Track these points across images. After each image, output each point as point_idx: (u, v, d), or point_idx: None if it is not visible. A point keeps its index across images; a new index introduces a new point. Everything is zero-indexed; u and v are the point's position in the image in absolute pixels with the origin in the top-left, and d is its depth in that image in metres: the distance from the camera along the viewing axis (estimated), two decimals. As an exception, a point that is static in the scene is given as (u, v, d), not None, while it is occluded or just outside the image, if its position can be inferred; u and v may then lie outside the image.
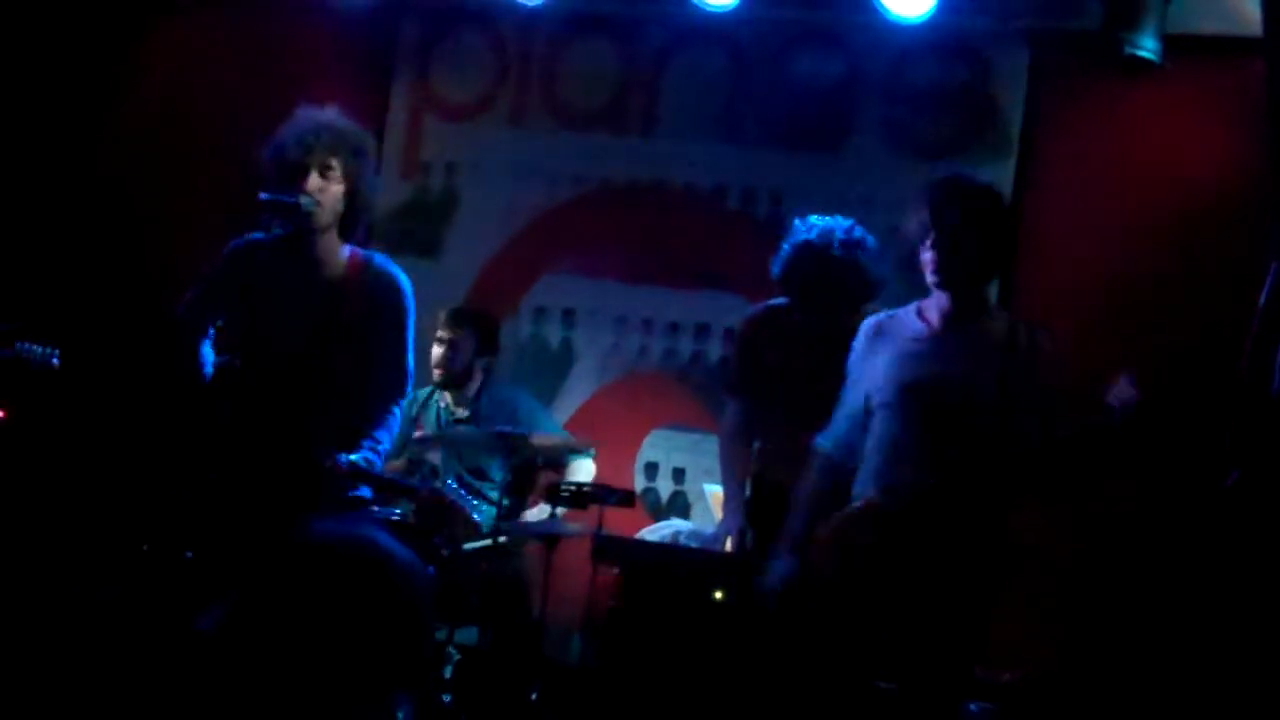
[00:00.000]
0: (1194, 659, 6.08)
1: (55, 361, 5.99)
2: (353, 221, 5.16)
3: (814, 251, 5.67)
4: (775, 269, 5.77)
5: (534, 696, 5.98)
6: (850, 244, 5.68)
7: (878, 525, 4.78)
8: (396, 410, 5.21)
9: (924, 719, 4.67)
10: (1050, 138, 6.89)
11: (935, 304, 4.87)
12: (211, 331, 5.17)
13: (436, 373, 6.70)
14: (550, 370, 7.45)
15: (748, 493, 5.74)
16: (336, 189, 5.08)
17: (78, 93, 7.82)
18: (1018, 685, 5.95)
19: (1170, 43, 6.55)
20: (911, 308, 4.98)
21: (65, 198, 7.75)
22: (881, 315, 5.07)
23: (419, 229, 7.56)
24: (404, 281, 5.23)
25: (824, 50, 7.27)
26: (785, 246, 5.76)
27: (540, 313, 7.53)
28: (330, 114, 5.19)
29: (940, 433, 4.75)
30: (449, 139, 7.74)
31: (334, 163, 5.07)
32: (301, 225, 5.06)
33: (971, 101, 7.04)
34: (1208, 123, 6.59)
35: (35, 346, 5.98)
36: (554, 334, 7.52)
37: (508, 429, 6.28)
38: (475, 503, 5.12)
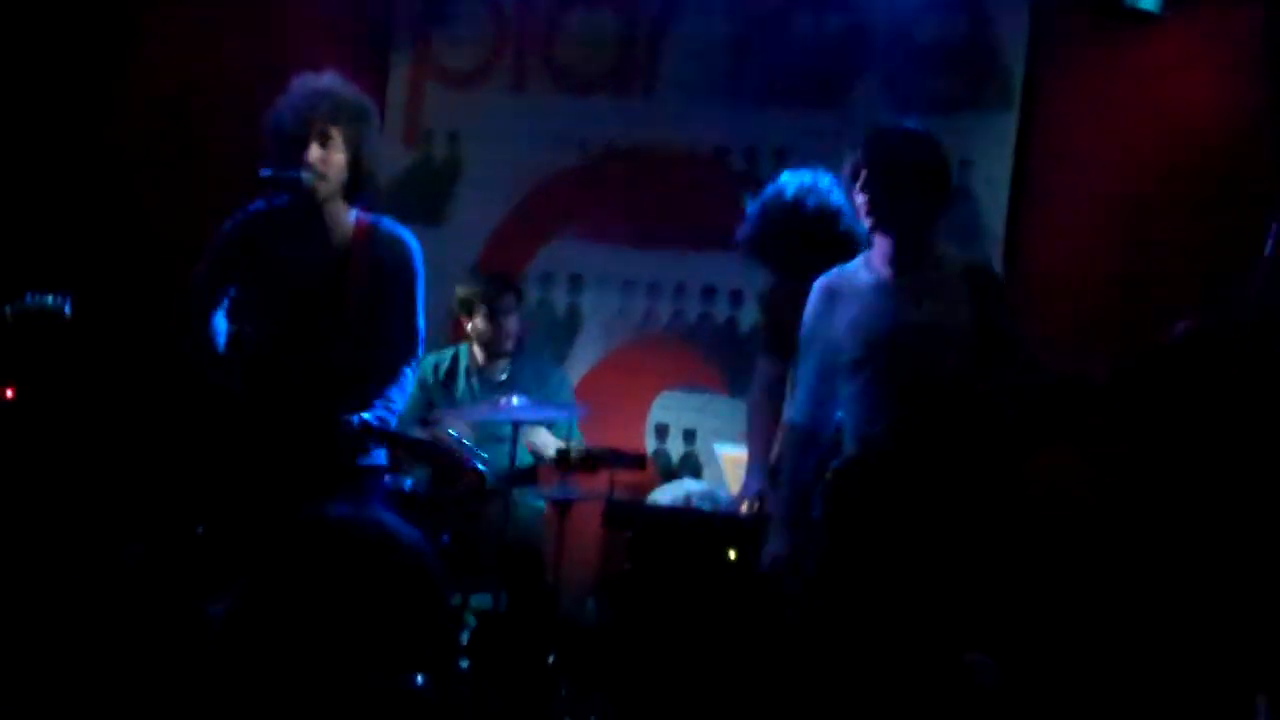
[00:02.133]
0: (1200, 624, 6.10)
1: (67, 310, 6.00)
2: (358, 187, 5.15)
3: (784, 211, 5.60)
4: (744, 234, 5.68)
5: (551, 660, 6.02)
6: (818, 194, 5.56)
7: (863, 477, 4.78)
8: (408, 371, 5.21)
9: (926, 670, 4.66)
10: (1052, 90, 6.86)
11: (879, 252, 4.85)
12: (225, 302, 5.19)
13: (506, 341, 6.75)
14: (558, 335, 7.45)
15: (774, 455, 5.71)
16: (339, 157, 5.06)
17: (83, 62, 7.80)
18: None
19: (1171, -8, 6.55)
20: (858, 261, 4.95)
21: (72, 167, 7.75)
22: (831, 274, 5.00)
23: (423, 196, 7.54)
24: (412, 243, 5.22)
25: (825, 7, 7.24)
26: (752, 209, 5.69)
27: (546, 278, 7.53)
28: (328, 80, 5.15)
29: (912, 379, 4.74)
30: (451, 106, 7.73)
31: (333, 131, 5.04)
32: (304, 197, 5.06)
33: (973, 55, 7.00)
34: (1209, 73, 6.56)
35: (45, 295, 5.99)
36: (560, 299, 7.52)
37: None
38: (481, 453, 5.12)
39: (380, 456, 5.20)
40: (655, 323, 7.41)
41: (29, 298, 5.95)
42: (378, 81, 7.47)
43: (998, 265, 6.65)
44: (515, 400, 6.18)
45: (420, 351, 5.31)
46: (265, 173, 4.99)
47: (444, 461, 5.20)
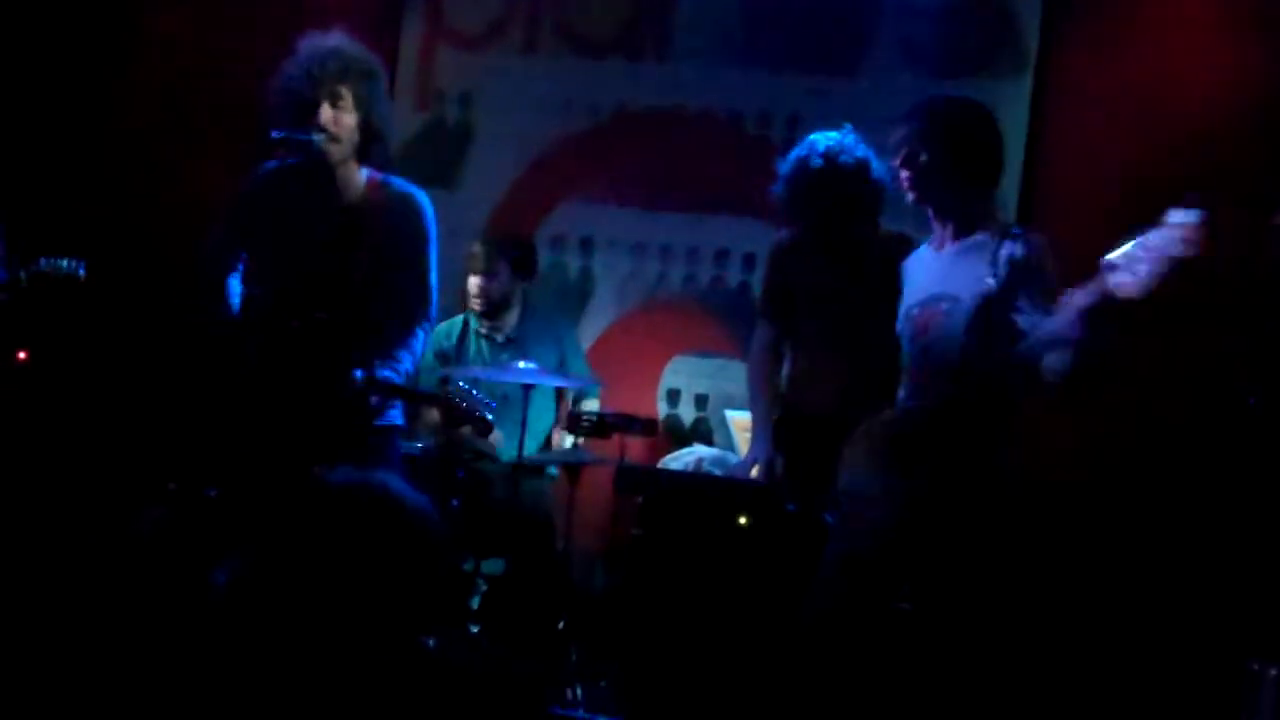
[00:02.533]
0: (1220, 571, 6.09)
1: (81, 273, 6.00)
2: (369, 147, 5.12)
3: (812, 167, 5.60)
4: (778, 189, 5.70)
5: (561, 625, 6.02)
6: (849, 152, 5.58)
7: (870, 447, 4.77)
8: (420, 332, 5.15)
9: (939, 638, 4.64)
10: (1068, 52, 6.83)
11: (937, 227, 4.84)
12: (240, 265, 5.17)
13: (477, 303, 6.72)
14: (570, 299, 7.43)
15: (775, 418, 5.72)
16: (349, 118, 5.02)
17: (94, 27, 7.79)
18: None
19: (1189, -44, 6.51)
20: (933, 236, 4.94)
21: (84, 132, 7.73)
22: (918, 248, 5.03)
23: (435, 160, 7.51)
24: (424, 202, 5.17)
25: (840, -30, 7.22)
26: (783, 168, 5.69)
27: (558, 241, 7.51)
28: (335, 39, 5.10)
29: (926, 356, 4.72)
30: (463, 69, 7.70)
31: (343, 90, 5.00)
32: (318, 161, 5.03)
33: (988, 18, 6.98)
34: (1226, 37, 6.52)
35: (60, 260, 5.99)
36: (573, 262, 7.50)
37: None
38: (489, 402, 5.09)
39: (395, 417, 5.17)
40: (668, 287, 7.39)
41: (43, 262, 5.95)
42: (389, 44, 7.45)
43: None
44: (522, 364, 6.18)
45: (434, 312, 5.26)
46: (277, 135, 4.96)
47: (451, 408, 5.16)
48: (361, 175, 5.13)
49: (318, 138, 4.96)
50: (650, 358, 7.34)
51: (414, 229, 5.13)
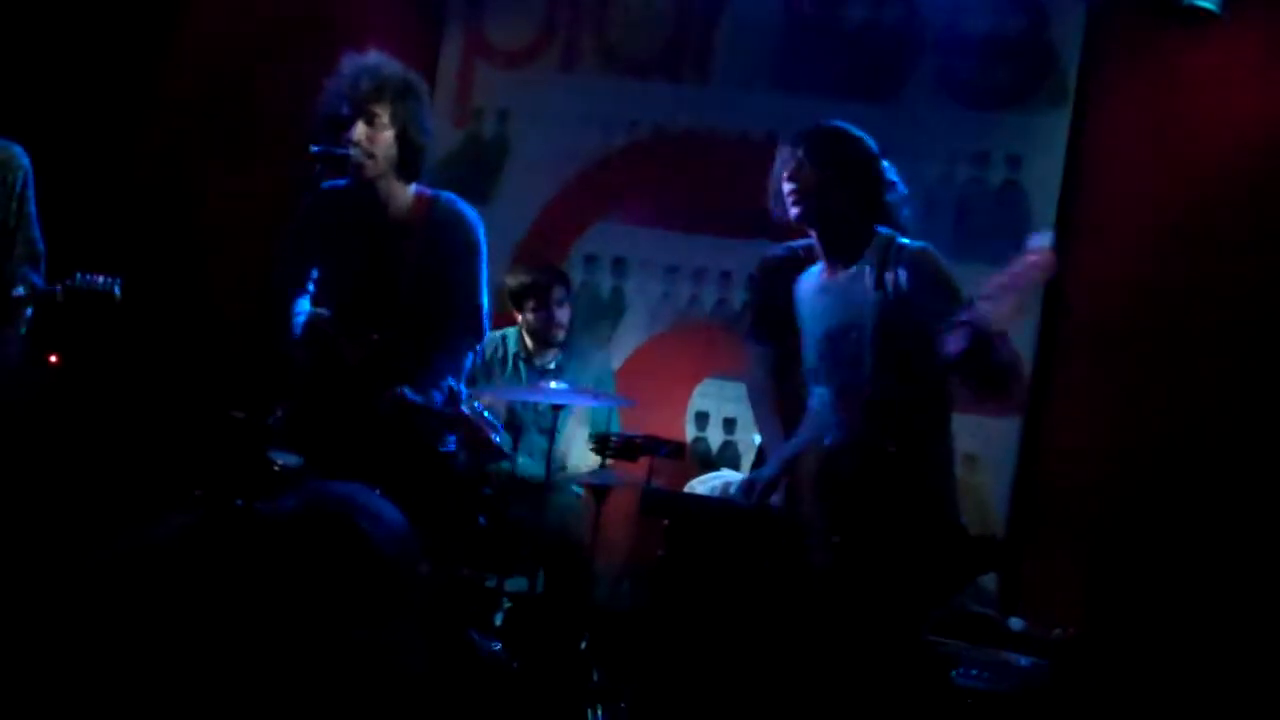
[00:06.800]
0: (1245, 615, 6.06)
1: (117, 291, 6.02)
2: (410, 163, 5.14)
3: None
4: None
5: (584, 644, 6.01)
6: None
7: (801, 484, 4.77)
8: (464, 348, 5.18)
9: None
10: (1107, 88, 6.82)
11: (822, 250, 4.73)
12: (310, 285, 5.20)
13: (549, 334, 6.74)
14: (601, 318, 7.44)
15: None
16: (386, 135, 5.05)
17: (132, 39, 7.82)
18: (1068, 641, 5.94)
19: (1229, -7, 6.50)
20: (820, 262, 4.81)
21: (121, 151, 7.77)
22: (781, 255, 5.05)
23: (471, 176, 7.52)
24: (472, 217, 5.19)
25: (881, -2, 7.22)
26: None
27: (591, 260, 7.52)
28: (373, 59, 5.14)
29: (842, 390, 4.68)
30: (501, 86, 7.73)
31: (379, 110, 5.04)
32: (354, 176, 5.06)
33: (1028, 51, 6.97)
34: (1267, 74, 6.51)
35: (97, 277, 6.01)
36: (605, 282, 7.51)
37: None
38: (500, 425, 5.11)
39: (452, 444, 5.20)
40: (699, 309, 7.39)
41: (80, 277, 5.97)
42: (429, 60, 7.47)
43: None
44: (554, 385, 6.19)
45: (486, 330, 5.26)
46: (315, 149, 5.00)
47: (468, 434, 5.18)
48: (409, 191, 5.15)
49: (354, 152, 4.99)
50: (679, 380, 7.34)
51: (463, 245, 5.14)
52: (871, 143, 4.79)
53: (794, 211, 4.67)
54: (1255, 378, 6.38)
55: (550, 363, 6.81)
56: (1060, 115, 6.86)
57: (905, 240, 4.60)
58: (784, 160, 4.70)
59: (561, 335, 6.82)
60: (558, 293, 6.79)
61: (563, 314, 6.80)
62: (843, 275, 4.67)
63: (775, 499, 5.10)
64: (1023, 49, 6.96)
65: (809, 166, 4.63)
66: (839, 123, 4.85)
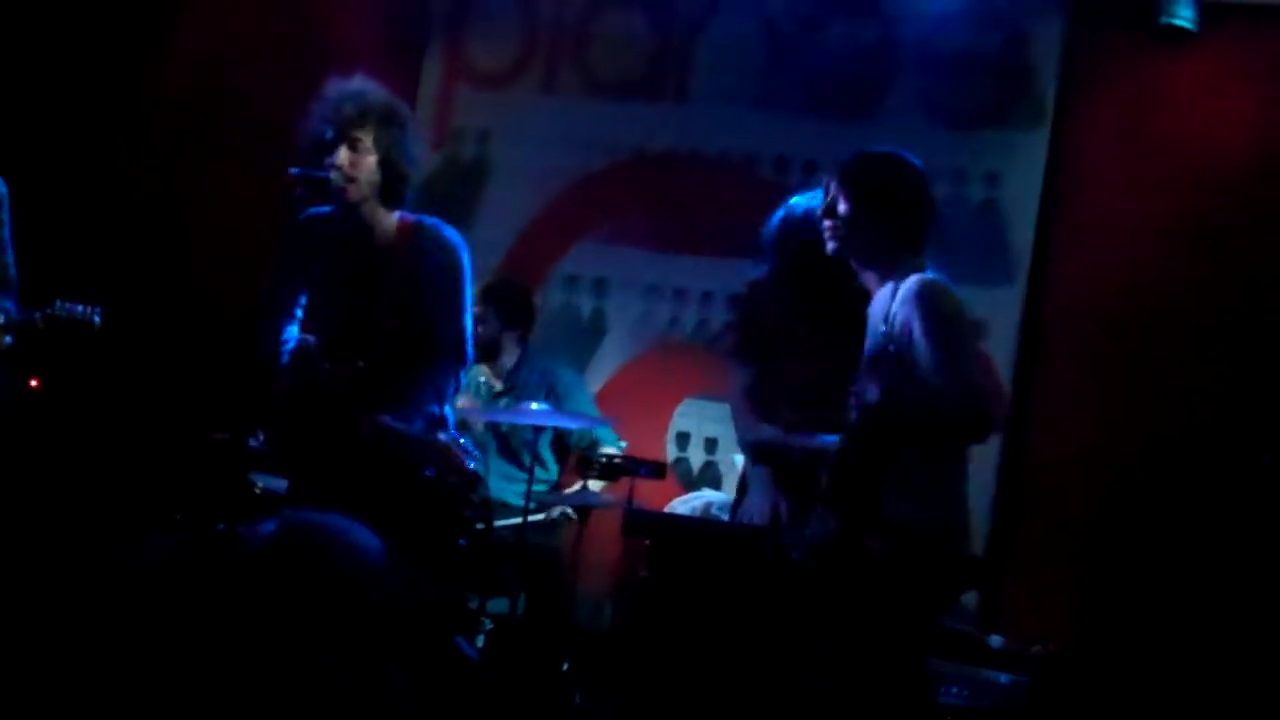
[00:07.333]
0: (1227, 632, 6.08)
1: (97, 320, 6.00)
2: (393, 189, 5.14)
3: (802, 222, 5.46)
4: (765, 239, 5.51)
5: (565, 666, 6.01)
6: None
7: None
8: (449, 373, 5.13)
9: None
10: (1085, 106, 6.85)
11: (868, 279, 4.69)
12: (298, 311, 5.19)
13: (481, 350, 6.70)
14: (582, 339, 7.44)
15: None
16: (369, 160, 5.03)
17: (113, 64, 7.83)
18: (1048, 658, 5.95)
19: (1207, 11, 6.52)
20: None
21: (104, 171, 7.77)
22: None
23: (451, 198, 7.52)
24: (456, 242, 5.14)
25: (858, 17, 7.22)
26: (773, 219, 5.54)
27: (572, 281, 7.52)
28: (357, 84, 5.11)
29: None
30: (481, 107, 7.74)
31: (362, 135, 5.03)
32: (335, 200, 5.06)
33: (1006, 69, 6.99)
34: (1244, 92, 6.54)
35: (77, 305, 5.99)
36: (586, 303, 7.51)
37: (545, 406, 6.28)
38: (475, 452, 5.09)
39: (431, 471, 5.18)
40: (680, 329, 7.39)
41: (60, 305, 5.95)
42: (409, 81, 7.47)
43: (1022, 283, 6.65)
44: (534, 405, 6.18)
45: (469, 357, 5.23)
46: (295, 171, 4.99)
47: (442, 460, 5.17)
48: (393, 218, 5.14)
49: (335, 175, 4.98)
50: (660, 400, 7.34)
51: (447, 271, 5.11)
52: (911, 162, 4.74)
53: (830, 246, 4.67)
54: (1233, 396, 6.39)
55: (501, 379, 6.77)
56: (1038, 133, 6.88)
57: (915, 274, 4.57)
58: (825, 195, 4.70)
59: (479, 344, 6.67)
60: (483, 305, 6.61)
61: (483, 326, 6.53)
62: (876, 304, 4.67)
63: (761, 510, 5.13)
64: (1001, 67, 6.98)
65: (841, 200, 4.63)
66: (879, 147, 4.81)
